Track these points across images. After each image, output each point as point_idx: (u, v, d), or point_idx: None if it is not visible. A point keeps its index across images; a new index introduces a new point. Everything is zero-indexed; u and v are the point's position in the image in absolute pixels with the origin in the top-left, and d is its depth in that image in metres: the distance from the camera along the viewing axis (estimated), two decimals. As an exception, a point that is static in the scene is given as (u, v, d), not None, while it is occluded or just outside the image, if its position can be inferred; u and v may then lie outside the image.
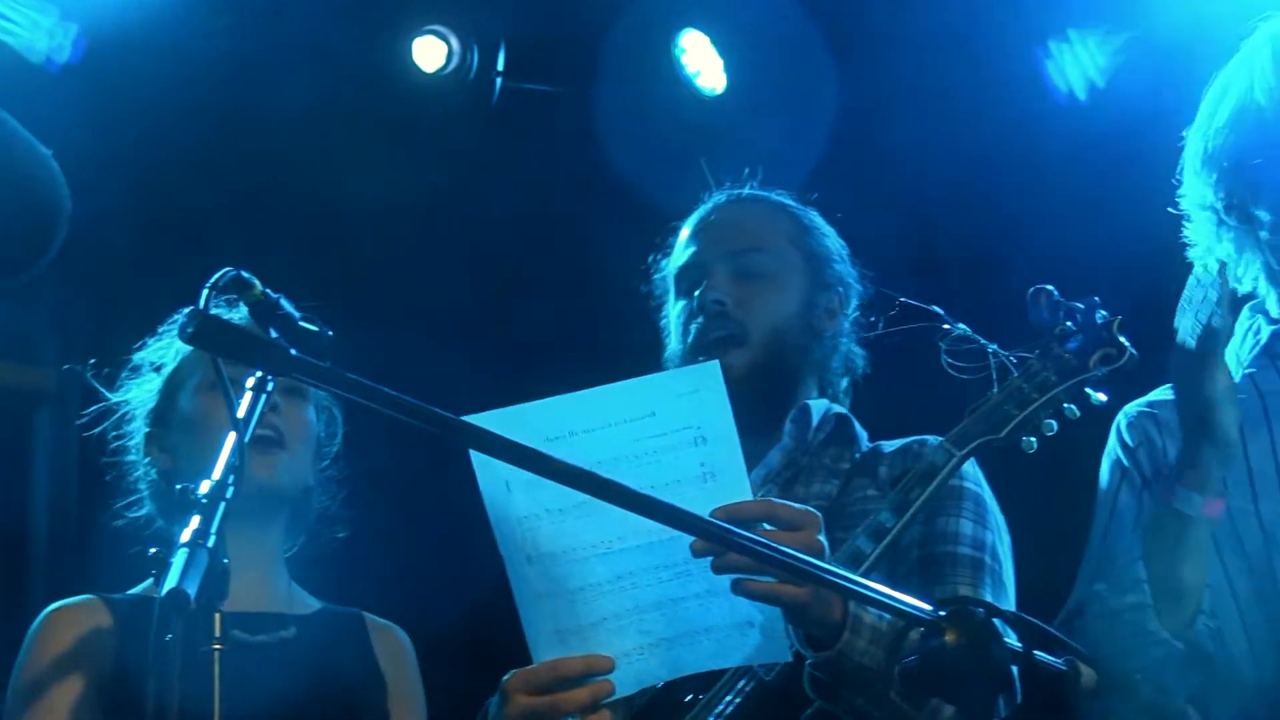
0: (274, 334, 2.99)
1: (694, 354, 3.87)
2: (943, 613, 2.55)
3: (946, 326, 3.57)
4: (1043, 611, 3.49)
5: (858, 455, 3.88)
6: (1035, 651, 2.57)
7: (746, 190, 4.16)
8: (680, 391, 3.19)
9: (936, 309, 3.61)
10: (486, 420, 2.98)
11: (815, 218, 4.13)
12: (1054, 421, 3.50)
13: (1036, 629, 2.60)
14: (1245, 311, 3.84)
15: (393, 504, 5.35)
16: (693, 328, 3.92)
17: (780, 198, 4.15)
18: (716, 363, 3.23)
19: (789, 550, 2.75)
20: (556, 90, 6.56)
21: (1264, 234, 3.70)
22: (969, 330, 3.55)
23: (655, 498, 2.73)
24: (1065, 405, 3.50)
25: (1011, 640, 2.57)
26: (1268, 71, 3.68)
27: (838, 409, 3.98)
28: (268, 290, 3.00)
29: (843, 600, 3.16)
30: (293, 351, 2.74)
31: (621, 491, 2.69)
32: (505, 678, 3.30)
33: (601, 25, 6.37)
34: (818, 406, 3.94)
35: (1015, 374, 3.52)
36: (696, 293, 3.92)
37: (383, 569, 4.94)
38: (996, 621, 2.56)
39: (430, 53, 6.36)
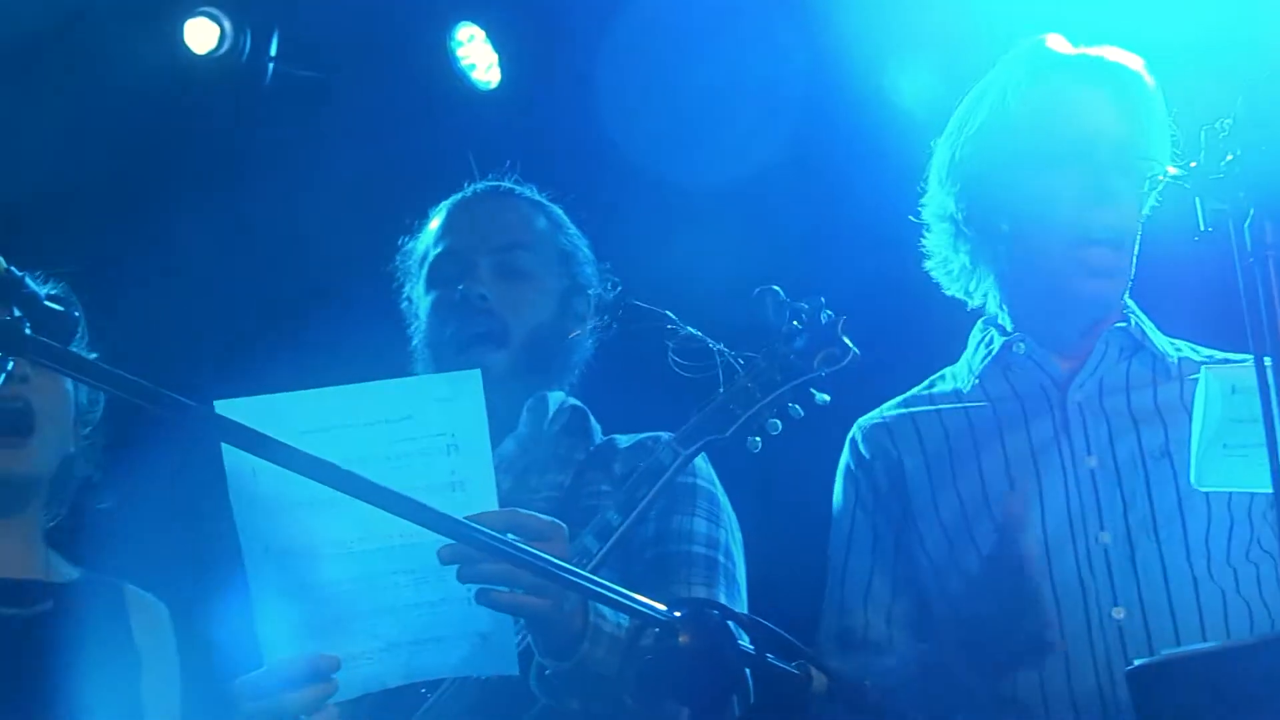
0: (17, 313, 2.90)
1: (454, 348, 3.85)
2: (678, 614, 2.56)
3: (672, 327, 3.58)
4: (771, 608, 3.54)
5: (591, 448, 3.90)
6: (768, 655, 2.59)
7: (507, 183, 4.14)
8: (438, 397, 3.19)
9: (667, 312, 3.63)
10: (239, 408, 2.98)
11: (566, 217, 4.13)
12: (779, 421, 3.54)
13: (770, 632, 2.61)
14: (979, 325, 3.93)
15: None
16: (452, 321, 3.88)
17: (537, 195, 4.13)
18: (478, 372, 3.22)
19: (542, 554, 2.77)
20: (330, 77, 6.48)
21: (1003, 246, 3.78)
22: (697, 332, 3.57)
23: (413, 499, 2.72)
24: (790, 405, 3.54)
25: (745, 643, 2.59)
26: (1023, 86, 3.77)
27: (573, 401, 3.99)
28: (12, 268, 2.91)
29: (583, 611, 3.19)
30: (28, 331, 2.67)
31: (383, 492, 2.66)
32: (232, 685, 3.25)
33: (378, 14, 6.32)
34: (554, 397, 3.95)
35: (741, 374, 3.54)
36: (460, 286, 3.88)
37: (149, 537, 4.83)
38: (731, 624, 2.57)
39: (202, 34, 6.26)
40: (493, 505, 3.17)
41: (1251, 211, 2.58)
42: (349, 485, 2.66)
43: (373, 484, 2.65)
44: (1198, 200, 2.62)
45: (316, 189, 6.34)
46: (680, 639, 2.54)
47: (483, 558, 2.99)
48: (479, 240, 3.96)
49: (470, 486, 3.16)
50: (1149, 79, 3.80)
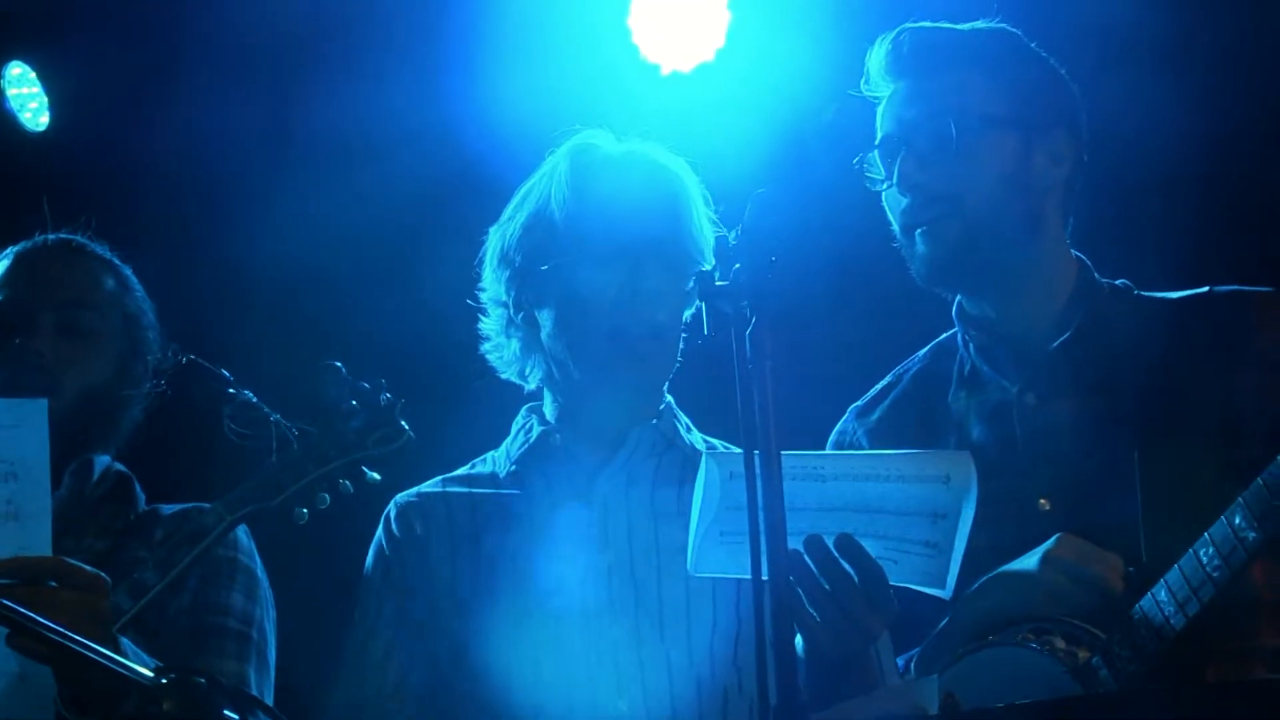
0: None
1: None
2: (163, 680, 2.59)
3: (231, 391, 3.62)
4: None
5: (134, 516, 3.96)
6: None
7: (79, 238, 4.14)
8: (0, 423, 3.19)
9: (225, 373, 3.67)
10: None
11: (134, 277, 4.16)
12: (327, 495, 3.66)
13: (258, 705, 2.65)
14: (523, 411, 4.05)
15: None
16: (3, 372, 3.86)
17: (107, 253, 4.15)
18: (44, 401, 3.28)
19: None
20: None
21: (544, 337, 3.91)
22: (254, 398, 3.62)
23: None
24: (341, 481, 3.66)
25: (231, 714, 2.62)
26: (564, 184, 3.94)
27: (120, 467, 4.05)
28: None
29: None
30: None
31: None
32: None
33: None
34: (99, 461, 3.99)
35: (295, 446, 3.60)
36: (17, 339, 3.88)
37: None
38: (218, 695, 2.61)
39: None
40: (46, 540, 3.20)
41: (753, 320, 2.72)
42: None
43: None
44: (703, 305, 2.76)
45: None
46: (164, 706, 2.57)
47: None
48: (43, 295, 3.97)
49: (26, 518, 3.19)
50: (691, 177, 4.01)
